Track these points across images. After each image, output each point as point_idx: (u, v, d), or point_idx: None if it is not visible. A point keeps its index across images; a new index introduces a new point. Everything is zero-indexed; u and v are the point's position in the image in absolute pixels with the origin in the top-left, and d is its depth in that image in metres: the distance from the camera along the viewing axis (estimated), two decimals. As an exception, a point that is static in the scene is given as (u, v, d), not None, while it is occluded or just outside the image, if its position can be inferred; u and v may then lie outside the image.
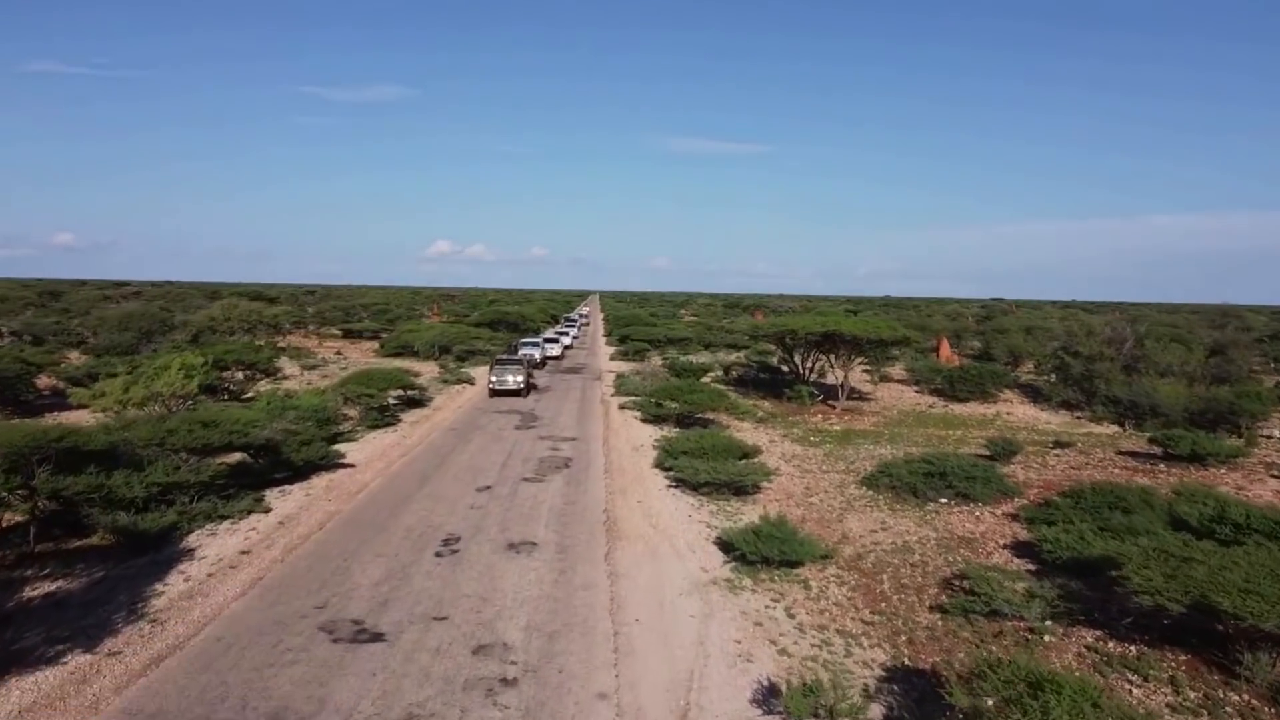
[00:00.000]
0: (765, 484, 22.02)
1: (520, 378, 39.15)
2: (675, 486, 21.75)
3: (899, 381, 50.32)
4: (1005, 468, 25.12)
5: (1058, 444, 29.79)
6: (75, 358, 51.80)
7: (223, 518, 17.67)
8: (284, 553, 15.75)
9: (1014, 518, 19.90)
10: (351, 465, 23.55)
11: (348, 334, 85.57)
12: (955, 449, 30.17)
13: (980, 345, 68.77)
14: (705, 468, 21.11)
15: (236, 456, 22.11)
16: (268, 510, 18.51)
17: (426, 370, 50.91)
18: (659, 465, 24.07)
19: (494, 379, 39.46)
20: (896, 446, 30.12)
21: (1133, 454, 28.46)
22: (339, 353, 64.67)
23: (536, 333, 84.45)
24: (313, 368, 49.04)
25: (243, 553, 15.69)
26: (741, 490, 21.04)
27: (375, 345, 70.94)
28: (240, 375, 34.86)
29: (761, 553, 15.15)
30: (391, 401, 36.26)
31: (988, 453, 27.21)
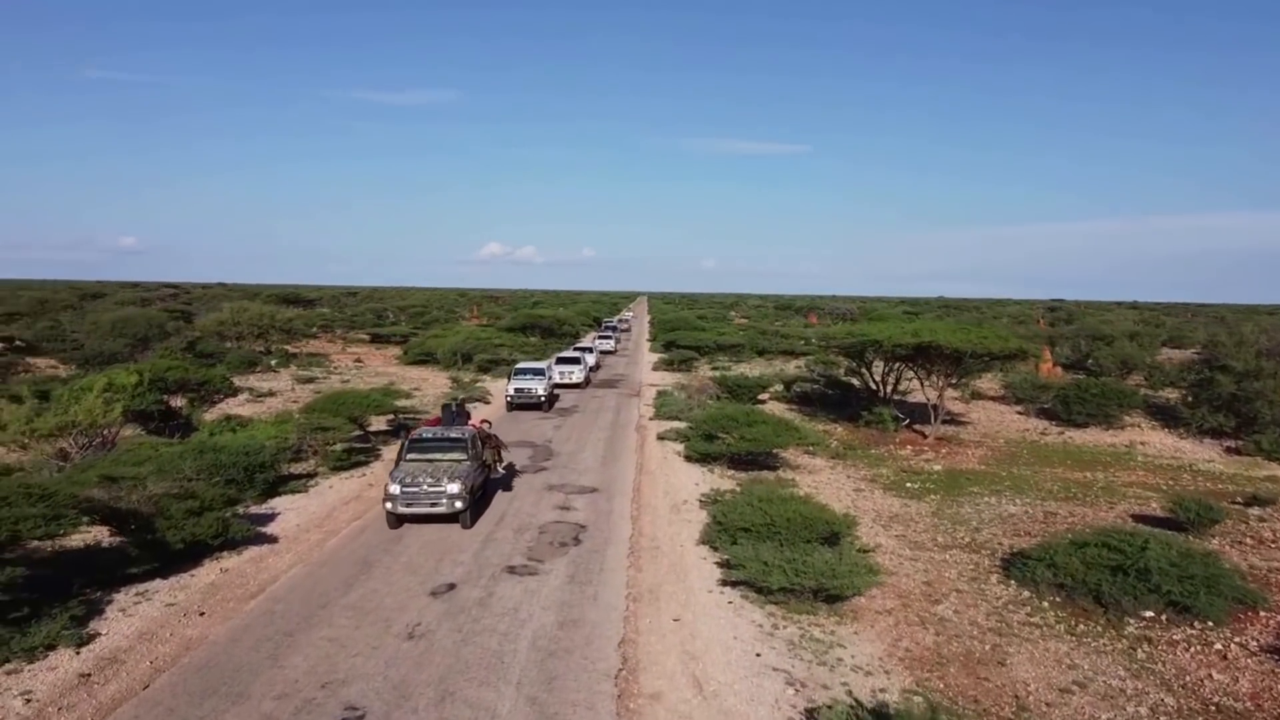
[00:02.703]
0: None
1: (455, 486, 17.58)
2: (732, 585, 14.47)
3: (993, 399, 42.37)
4: (1205, 543, 17.51)
5: (1254, 500, 21.87)
6: (48, 367, 46.13)
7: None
8: (37, 760, 8.86)
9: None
10: (271, 539, 16.64)
11: (375, 338, 79.49)
12: (1103, 499, 22.55)
13: (1071, 353, 60.16)
14: (778, 561, 13.78)
15: (95, 532, 15.43)
16: (85, 641, 11.65)
17: (439, 383, 44.30)
18: (707, 541, 16.81)
19: (397, 484, 17.80)
20: (1025, 498, 22.53)
21: (1368, 517, 20.44)
22: (358, 360, 58.49)
23: (575, 338, 77.30)
24: (308, 380, 42.62)
25: (-39, 761, 8.88)
26: (835, 597, 13.70)
27: (400, 351, 64.43)
28: (191, 399, 28.31)
29: (908, 801, 7.86)
30: (380, 427, 29.58)
31: (1170, 514, 19.61)
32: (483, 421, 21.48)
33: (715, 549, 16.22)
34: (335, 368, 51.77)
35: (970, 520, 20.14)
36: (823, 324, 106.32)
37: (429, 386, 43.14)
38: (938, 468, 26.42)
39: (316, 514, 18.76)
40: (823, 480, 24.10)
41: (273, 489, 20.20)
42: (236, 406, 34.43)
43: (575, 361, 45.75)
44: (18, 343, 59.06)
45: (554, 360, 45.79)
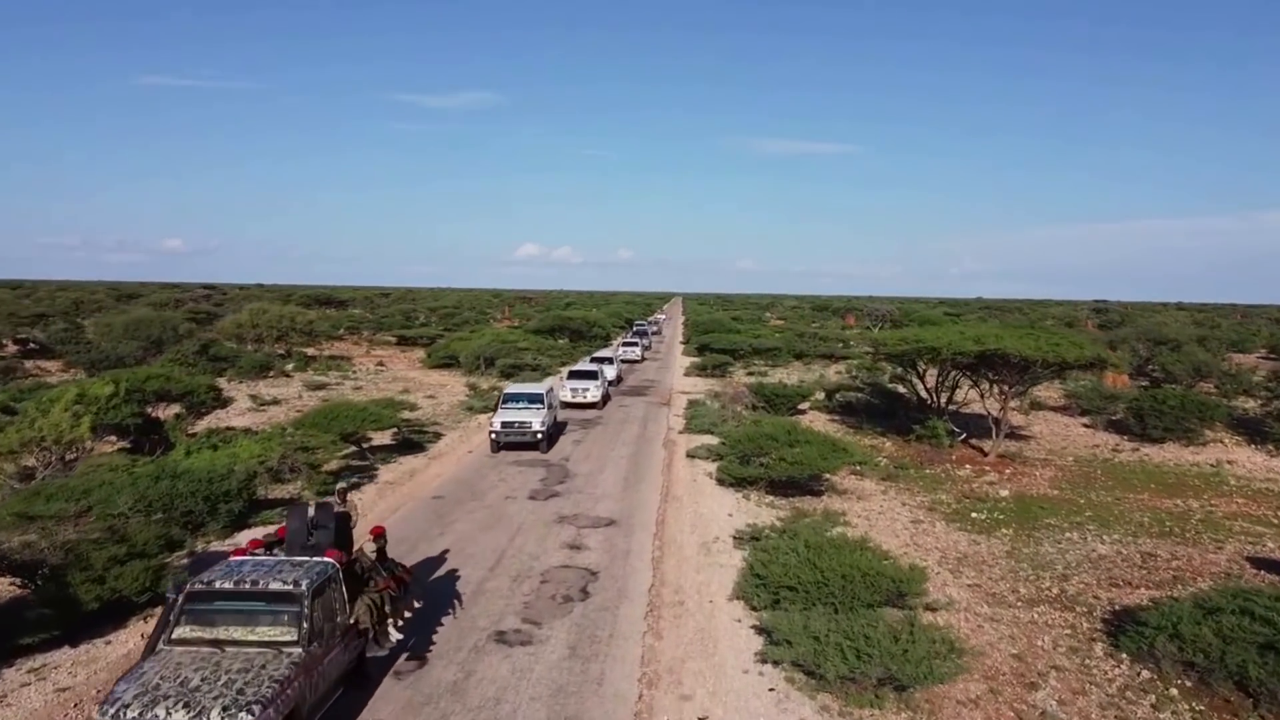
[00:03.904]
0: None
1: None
2: (775, 664, 11.52)
3: (1054, 409, 38.92)
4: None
5: (1393, 540, 18.49)
6: (58, 371, 44.32)
7: None
8: None
9: None
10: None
11: (402, 340, 77.34)
12: (1207, 536, 19.28)
13: (1130, 358, 56.15)
14: (833, 636, 10.84)
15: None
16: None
17: (458, 389, 41.74)
18: (743, 596, 13.86)
19: (108, 715, 7.95)
20: (1113, 534, 19.32)
21: None
22: (380, 364, 56.25)
23: (606, 341, 74.22)
24: (319, 387, 40.28)
25: None
26: (907, 684, 10.70)
27: (425, 354, 61.96)
28: (179, 411, 25.95)
29: None
30: (385, 441, 27.03)
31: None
32: (374, 534, 12.03)
33: (753, 608, 13.30)
34: (353, 372, 49.49)
35: (1054, 563, 17.02)
36: (860, 325, 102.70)
37: (446, 394, 40.63)
38: (1005, 493, 23.24)
39: (285, 553, 16.09)
40: (874, 508, 21.06)
41: (242, 520, 17.61)
42: (235, 416, 32.19)
43: (591, 376, 37.94)
44: (31, 345, 57.70)
45: (565, 375, 39.29)
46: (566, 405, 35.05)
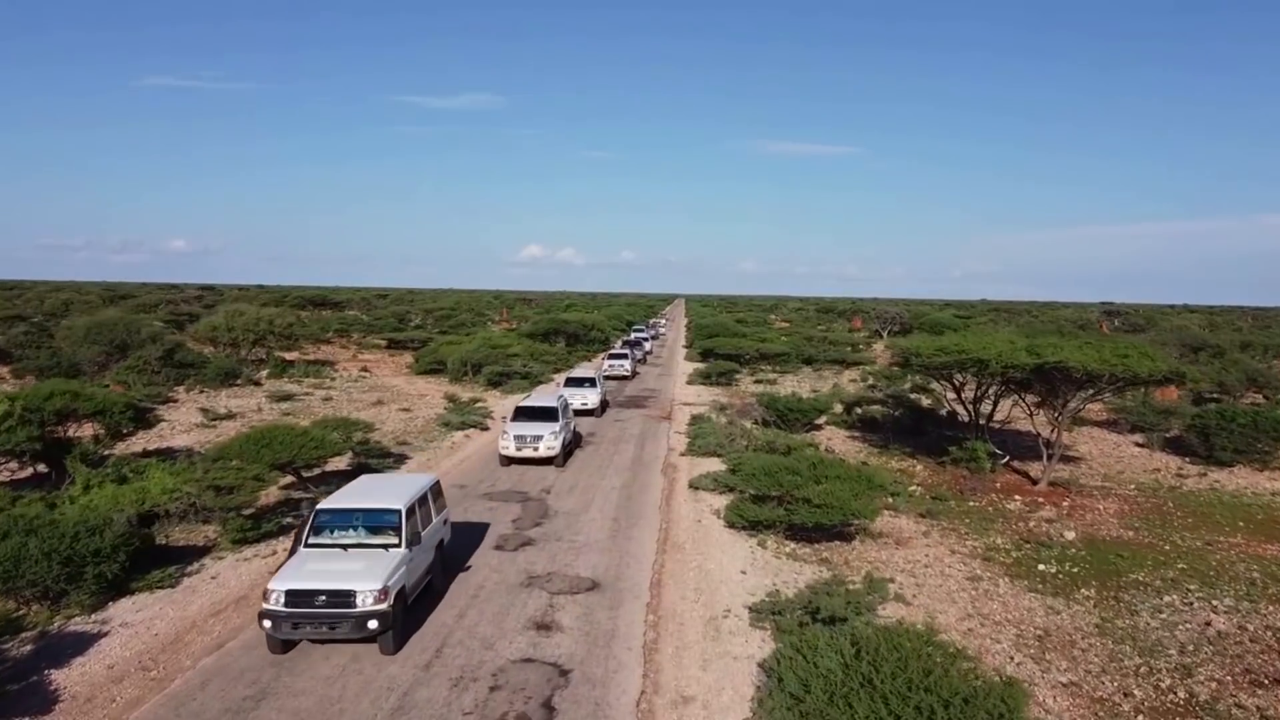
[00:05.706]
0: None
1: None
2: None
3: (1098, 424, 35.09)
4: None
5: None
6: (11, 375, 40.55)
7: None
8: None
9: None
10: (48, 702, 10.03)
11: (392, 344, 73.54)
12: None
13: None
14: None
15: None
16: None
17: (437, 401, 37.91)
18: (770, 713, 10.01)
19: None
20: (1223, 595, 15.47)
21: None
22: (365, 370, 52.51)
23: (605, 343, 70.34)
24: (284, 398, 36.41)
25: None
26: None
27: (413, 359, 58.10)
28: (99, 432, 22.16)
29: None
30: (341, 466, 23.23)
31: None
32: None
33: (782, 738, 9.45)
34: (330, 380, 45.61)
35: (1165, 646, 13.14)
36: (868, 328, 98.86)
37: (424, 405, 36.77)
38: (1070, 534, 19.35)
39: (162, 636, 12.22)
40: (918, 559, 17.19)
41: (123, 584, 13.75)
42: (180, 434, 28.39)
43: (547, 416, 25.09)
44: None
45: (511, 414, 25.89)
46: (510, 460, 24.41)
